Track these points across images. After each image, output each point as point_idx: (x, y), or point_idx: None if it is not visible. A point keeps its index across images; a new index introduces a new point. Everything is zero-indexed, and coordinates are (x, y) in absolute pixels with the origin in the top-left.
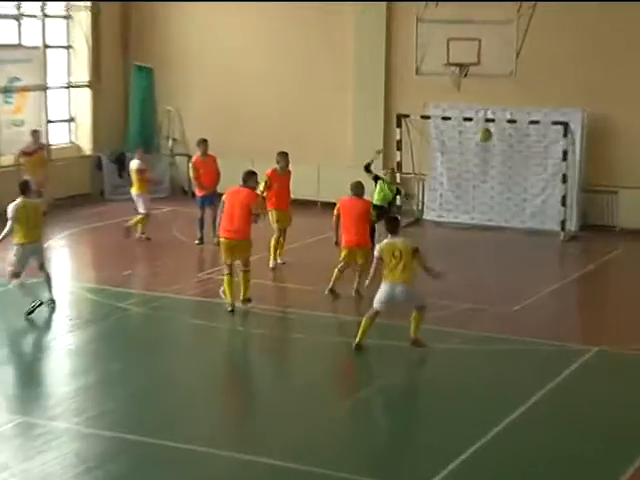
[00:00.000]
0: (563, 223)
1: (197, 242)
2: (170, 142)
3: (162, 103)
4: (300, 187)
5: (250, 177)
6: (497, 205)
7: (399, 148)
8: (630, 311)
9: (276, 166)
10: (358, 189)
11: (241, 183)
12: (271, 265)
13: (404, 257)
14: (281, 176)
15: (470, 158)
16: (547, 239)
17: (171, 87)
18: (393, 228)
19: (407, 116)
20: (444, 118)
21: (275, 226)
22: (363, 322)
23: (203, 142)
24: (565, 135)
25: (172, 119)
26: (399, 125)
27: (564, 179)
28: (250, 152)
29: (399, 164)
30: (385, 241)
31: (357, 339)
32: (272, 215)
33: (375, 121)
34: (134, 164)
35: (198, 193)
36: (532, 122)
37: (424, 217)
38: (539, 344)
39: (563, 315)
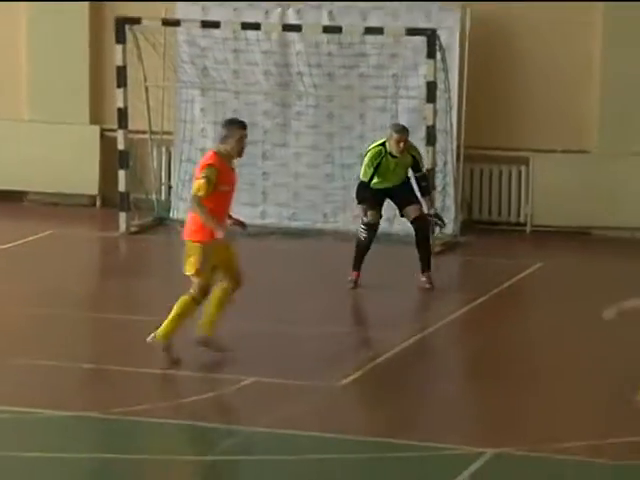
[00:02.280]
0: None
1: None
2: None
3: None
4: None
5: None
6: (308, 190)
7: (122, 84)
8: (548, 382)
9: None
10: None
11: None
12: None
13: None
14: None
15: (257, 101)
16: (400, 250)
17: None
18: None
19: (137, 22)
20: (206, 25)
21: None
22: None
23: None
24: (430, 55)
25: None
26: (121, 39)
27: (430, 138)
28: None
29: (122, 113)
30: None
31: None
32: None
33: (74, 31)
34: None
35: None
36: (369, 30)
37: (172, 214)
38: (391, 448)
39: (432, 394)
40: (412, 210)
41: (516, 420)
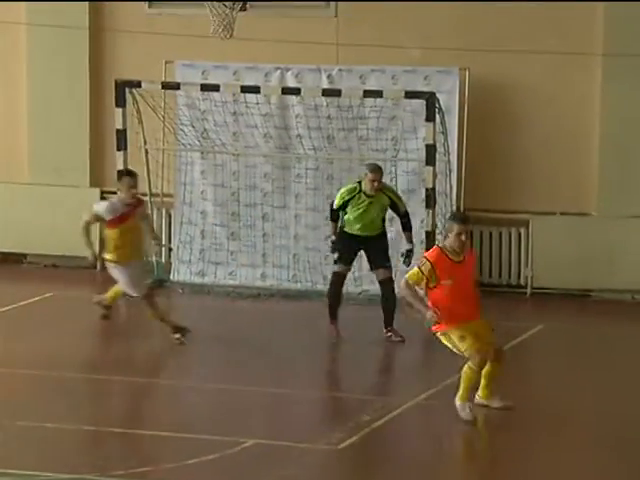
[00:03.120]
0: None
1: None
2: None
3: None
4: None
5: None
6: (306, 251)
7: (122, 146)
8: (547, 450)
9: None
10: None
11: None
12: None
13: None
14: None
15: (256, 163)
16: (397, 312)
17: None
18: None
19: (137, 85)
20: (205, 88)
21: None
22: None
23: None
24: (430, 118)
25: None
26: (121, 102)
27: (430, 200)
28: None
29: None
30: None
31: None
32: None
33: (74, 95)
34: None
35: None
36: (369, 93)
37: (172, 277)
38: None
39: (428, 460)
40: (382, 273)
41: None
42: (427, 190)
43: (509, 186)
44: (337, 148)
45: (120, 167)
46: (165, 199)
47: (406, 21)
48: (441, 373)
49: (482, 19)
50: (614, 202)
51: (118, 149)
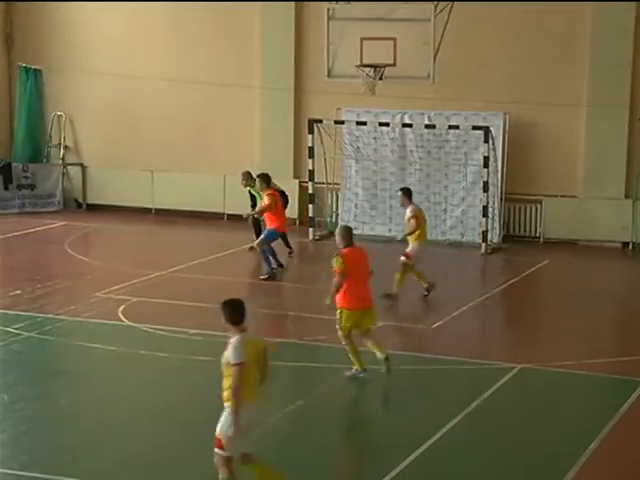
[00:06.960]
0: (484, 234)
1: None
2: (62, 150)
3: (52, 108)
4: (206, 199)
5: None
6: None
7: (311, 156)
8: (555, 326)
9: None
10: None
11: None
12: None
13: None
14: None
15: (386, 166)
16: (468, 251)
17: (61, 90)
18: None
19: (319, 121)
20: (358, 123)
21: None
22: None
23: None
24: (486, 141)
25: (63, 125)
26: (311, 131)
27: (485, 188)
28: (149, 162)
29: (311, 173)
30: None
31: None
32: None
33: (285, 127)
34: None
35: None
36: (451, 127)
37: None
38: (460, 363)
39: (485, 332)
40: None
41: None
42: (484, 182)
43: (530, 178)
44: (432, 158)
45: (310, 167)
46: (335, 185)
47: (473, 85)
48: (489, 285)
49: (518, 84)
50: (595, 187)
51: (309, 157)
